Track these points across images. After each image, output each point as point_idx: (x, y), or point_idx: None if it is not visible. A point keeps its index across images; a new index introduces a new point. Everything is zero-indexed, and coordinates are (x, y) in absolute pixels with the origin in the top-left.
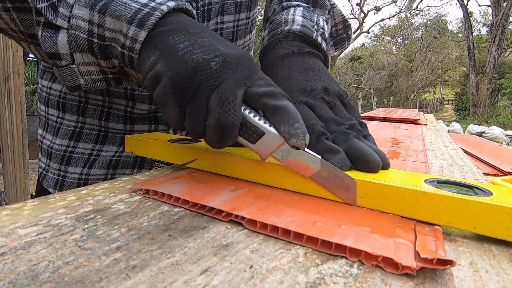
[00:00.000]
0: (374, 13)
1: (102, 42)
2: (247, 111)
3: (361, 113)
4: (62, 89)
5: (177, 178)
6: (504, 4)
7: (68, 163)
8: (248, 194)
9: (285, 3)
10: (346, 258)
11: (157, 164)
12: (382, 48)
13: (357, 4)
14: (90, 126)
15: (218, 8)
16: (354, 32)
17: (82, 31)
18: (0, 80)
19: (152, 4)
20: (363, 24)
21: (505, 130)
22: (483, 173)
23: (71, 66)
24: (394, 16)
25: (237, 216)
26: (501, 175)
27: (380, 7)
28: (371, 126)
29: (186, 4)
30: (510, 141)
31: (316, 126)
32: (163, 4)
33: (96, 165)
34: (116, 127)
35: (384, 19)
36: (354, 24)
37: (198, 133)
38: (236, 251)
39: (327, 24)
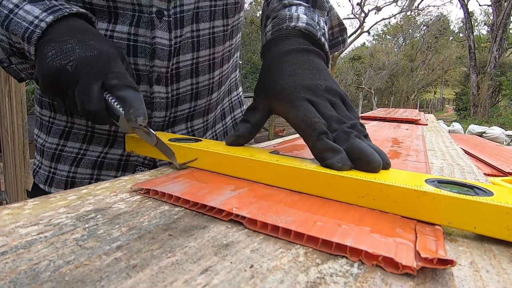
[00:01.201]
0: (375, 13)
1: (19, 50)
2: (110, 98)
3: (362, 113)
4: None
5: (178, 177)
6: (505, 4)
7: (58, 160)
8: (249, 194)
9: (286, 1)
10: (347, 257)
11: (140, 168)
12: (383, 47)
13: (357, 4)
14: (78, 126)
15: (192, 16)
16: (355, 32)
17: (4, 42)
18: (1, 80)
19: (36, 21)
20: (364, 24)
21: (505, 130)
22: (484, 173)
23: (11, 66)
24: (394, 15)
25: (237, 215)
26: (501, 176)
27: (381, 6)
28: (372, 126)
29: (70, 10)
30: (511, 141)
31: (318, 124)
32: (43, 21)
33: (83, 164)
34: (101, 127)
35: (385, 19)
36: (355, 24)
37: (80, 116)
38: (237, 250)
39: (326, 25)
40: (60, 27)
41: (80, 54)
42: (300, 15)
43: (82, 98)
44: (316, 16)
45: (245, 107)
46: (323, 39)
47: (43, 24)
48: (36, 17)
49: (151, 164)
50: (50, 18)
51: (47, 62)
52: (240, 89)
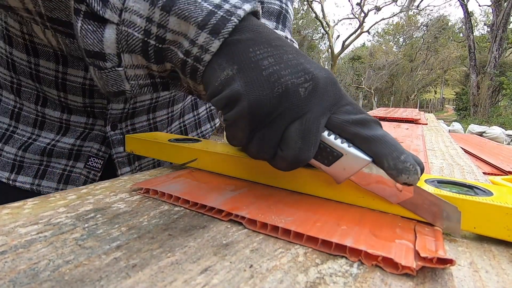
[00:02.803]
0: (375, 13)
1: (160, 45)
2: (328, 133)
3: None
4: None
5: (177, 177)
6: (505, 4)
7: (7, 142)
8: (248, 194)
9: None
10: (346, 258)
11: (94, 159)
12: (383, 47)
13: (357, 4)
14: (28, 109)
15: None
16: (355, 32)
17: (137, 29)
18: None
19: (226, 6)
20: (364, 24)
21: (505, 130)
22: (484, 173)
23: (116, 68)
24: (395, 14)
25: (237, 215)
26: (501, 175)
27: (381, 6)
28: None
29: (258, 5)
30: (511, 140)
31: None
32: (239, 8)
33: (31, 150)
34: (53, 114)
35: (385, 19)
36: (354, 24)
37: (263, 159)
38: (236, 250)
39: None
40: (256, 22)
41: (315, 72)
42: None
43: (302, 140)
44: None
45: None
46: None
47: (240, 12)
48: (225, 1)
49: (106, 156)
50: (248, 7)
51: (264, 75)
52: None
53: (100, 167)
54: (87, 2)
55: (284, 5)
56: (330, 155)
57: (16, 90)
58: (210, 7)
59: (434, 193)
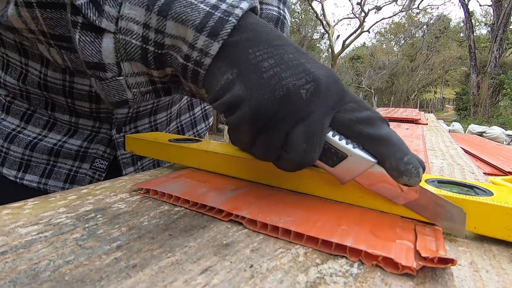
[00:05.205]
0: (375, 12)
1: (159, 51)
2: (333, 133)
3: None
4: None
5: (177, 177)
6: (505, 4)
7: (12, 141)
8: (248, 194)
9: None
10: (346, 257)
11: (99, 160)
12: (384, 47)
13: (357, 3)
14: (41, 112)
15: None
16: (355, 31)
17: (134, 36)
18: None
19: (223, 6)
20: (364, 23)
21: (506, 130)
22: (484, 173)
23: (117, 78)
24: (396, 14)
25: (237, 216)
26: (501, 175)
27: (381, 6)
28: None
29: (256, 1)
30: (511, 141)
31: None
32: (237, 7)
33: (38, 149)
34: (63, 118)
35: (385, 18)
36: (354, 23)
37: (268, 160)
38: (237, 250)
39: None
40: (255, 23)
41: (316, 72)
42: None
43: (307, 143)
44: None
45: None
46: None
47: (238, 11)
48: (221, 0)
49: (111, 158)
50: (245, 5)
51: (265, 78)
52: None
53: (105, 168)
54: (83, 13)
55: (282, 11)
56: (335, 156)
57: (26, 97)
58: (207, 8)
59: (435, 193)
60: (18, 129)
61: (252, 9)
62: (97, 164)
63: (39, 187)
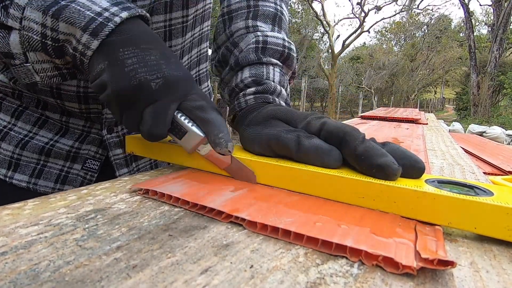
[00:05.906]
0: (375, 12)
1: (56, 44)
2: (180, 115)
3: (362, 112)
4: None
5: (177, 178)
6: (505, 4)
7: (3, 139)
8: (248, 195)
9: (262, 57)
10: (347, 258)
11: (91, 161)
12: (384, 47)
13: (357, 3)
14: (32, 109)
15: (148, 10)
16: (355, 32)
17: (34, 33)
18: None
19: (106, 14)
20: (364, 24)
21: (506, 130)
22: (484, 173)
23: (25, 64)
24: (396, 13)
25: (237, 217)
26: (502, 175)
27: (381, 6)
28: (372, 126)
29: (140, 11)
30: (511, 140)
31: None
32: (117, 15)
33: (29, 148)
34: (54, 116)
35: (385, 18)
36: (354, 23)
37: (133, 131)
38: (237, 251)
39: (288, 86)
40: (133, 29)
41: (167, 72)
42: (277, 87)
43: (153, 120)
44: (286, 81)
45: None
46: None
47: (117, 19)
48: (105, 9)
49: (103, 158)
50: (125, 14)
51: (126, 71)
52: (209, 82)
53: (97, 168)
54: None
55: (279, 7)
56: (180, 131)
57: (17, 96)
58: (92, 15)
59: (435, 193)
60: (9, 126)
61: (142, 18)
62: (89, 165)
63: (29, 187)
